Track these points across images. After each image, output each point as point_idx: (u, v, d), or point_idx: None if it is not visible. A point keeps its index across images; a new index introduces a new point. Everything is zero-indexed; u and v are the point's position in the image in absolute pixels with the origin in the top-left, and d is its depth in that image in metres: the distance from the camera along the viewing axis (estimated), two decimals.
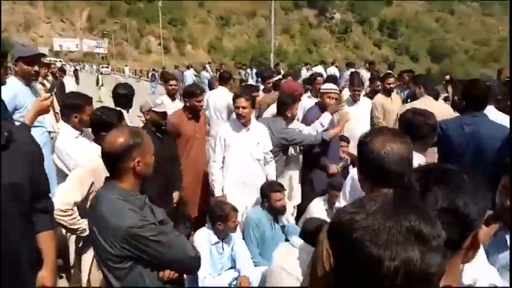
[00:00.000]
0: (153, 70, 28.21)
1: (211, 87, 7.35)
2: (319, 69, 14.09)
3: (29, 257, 1.94)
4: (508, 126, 3.02)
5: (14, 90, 3.39)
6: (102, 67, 42.41)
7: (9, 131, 1.80)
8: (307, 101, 5.44)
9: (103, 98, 17.43)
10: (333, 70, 14.10)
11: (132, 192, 1.87)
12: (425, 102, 3.91)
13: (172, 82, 5.86)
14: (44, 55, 3.81)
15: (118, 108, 3.38)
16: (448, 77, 7.41)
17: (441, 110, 3.86)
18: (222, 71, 9.21)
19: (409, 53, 50.09)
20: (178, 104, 5.58)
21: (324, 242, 1.53)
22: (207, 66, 23.76)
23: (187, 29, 61.64)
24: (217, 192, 3.88)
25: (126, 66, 44.33)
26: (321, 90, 4.72)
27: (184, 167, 4.07)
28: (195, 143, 4.40)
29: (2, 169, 1.76)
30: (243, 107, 3.82)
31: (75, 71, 18.35)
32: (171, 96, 5.76)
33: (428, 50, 50.67)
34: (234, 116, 4.01)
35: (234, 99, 3.93)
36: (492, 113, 3.42)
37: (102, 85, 18.40)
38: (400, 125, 2.65)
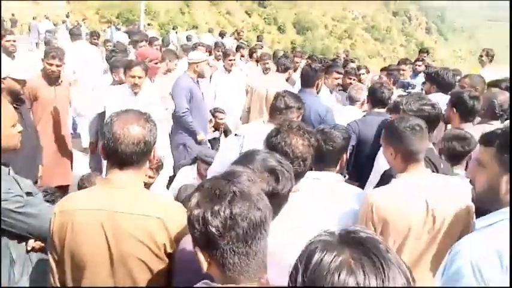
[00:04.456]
0: None
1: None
2: (192, 33, 14.15)
3: None
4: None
5: None
6: None
7: None
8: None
9: None
10: (208, 37, 14.35)
11: None
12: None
13: (10, 37, 5.34)
14: None
15: None
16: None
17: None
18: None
19: (277, 24, 52.43)
20: (18, 62, 5.08)
21: None
22: (67, 19, 21.59)
23: None
24: None
25: None
26: (189, 60, 4.79)
27: (42, 135, 3.86)
28: (55, 109, 4.16)
29: None
30: (139, 77, 3.83)
31: None
32: (9, 53, 5.19)
33: (294, 22, 53.79)
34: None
35: (128, 67, 3.85)
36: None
37: None
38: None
